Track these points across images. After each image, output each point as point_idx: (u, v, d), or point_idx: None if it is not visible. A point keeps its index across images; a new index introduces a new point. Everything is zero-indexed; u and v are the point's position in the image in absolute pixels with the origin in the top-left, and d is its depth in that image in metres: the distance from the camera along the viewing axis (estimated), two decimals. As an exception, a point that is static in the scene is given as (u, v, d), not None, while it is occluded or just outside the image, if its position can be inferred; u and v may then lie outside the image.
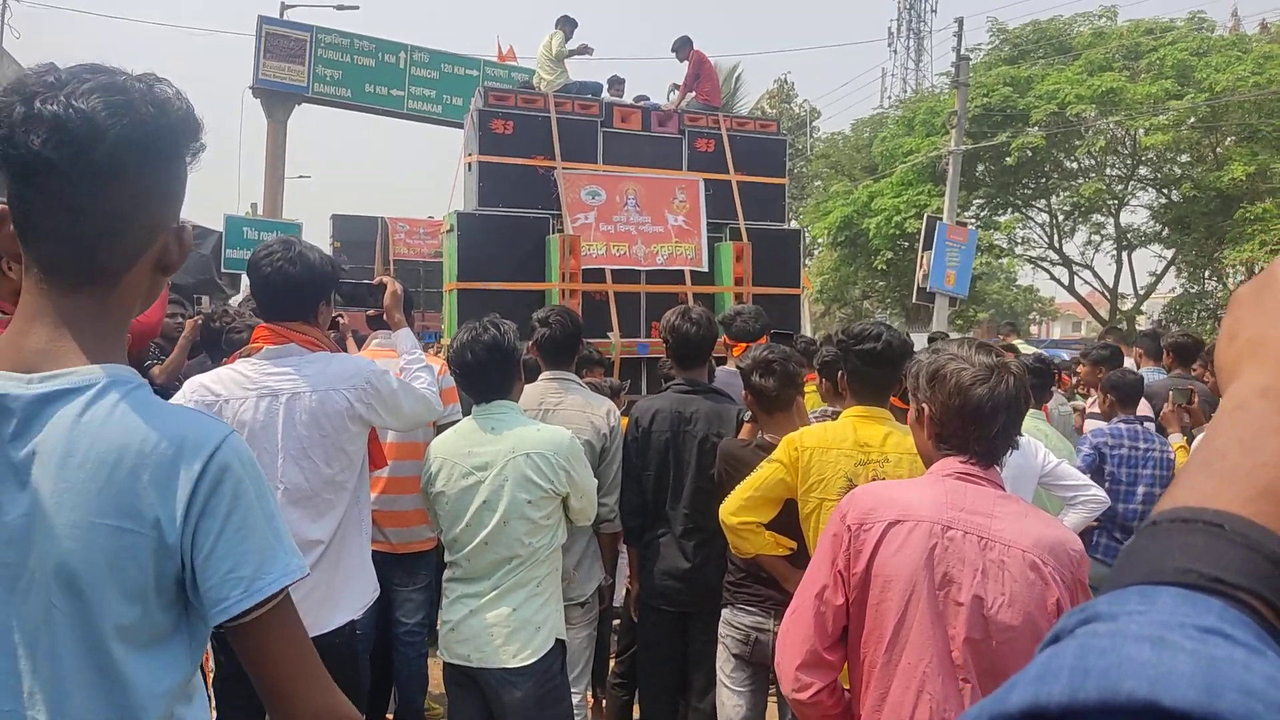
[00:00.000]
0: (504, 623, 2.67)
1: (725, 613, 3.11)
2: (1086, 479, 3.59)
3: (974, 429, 1.75)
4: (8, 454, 1.00)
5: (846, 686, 1.85)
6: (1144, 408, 5.06)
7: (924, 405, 1.82)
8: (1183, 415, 4.75)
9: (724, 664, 3.09)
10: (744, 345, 4.06)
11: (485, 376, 2.81)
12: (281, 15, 18.59)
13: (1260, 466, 0.46)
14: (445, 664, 2.80)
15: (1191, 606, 0.40)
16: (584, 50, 10.31)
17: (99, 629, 1.04)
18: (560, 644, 2.81)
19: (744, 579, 3.05)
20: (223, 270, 10.85)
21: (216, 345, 3.90)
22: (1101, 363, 5.52)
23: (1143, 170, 21.16)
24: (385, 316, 3.11)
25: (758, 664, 3.01)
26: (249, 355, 2.63)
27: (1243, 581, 0.41)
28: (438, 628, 2.86)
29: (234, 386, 2.53)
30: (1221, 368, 0.55)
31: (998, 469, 1.79)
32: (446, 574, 2.84)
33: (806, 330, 11.47)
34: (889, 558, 1.69)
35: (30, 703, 1.01)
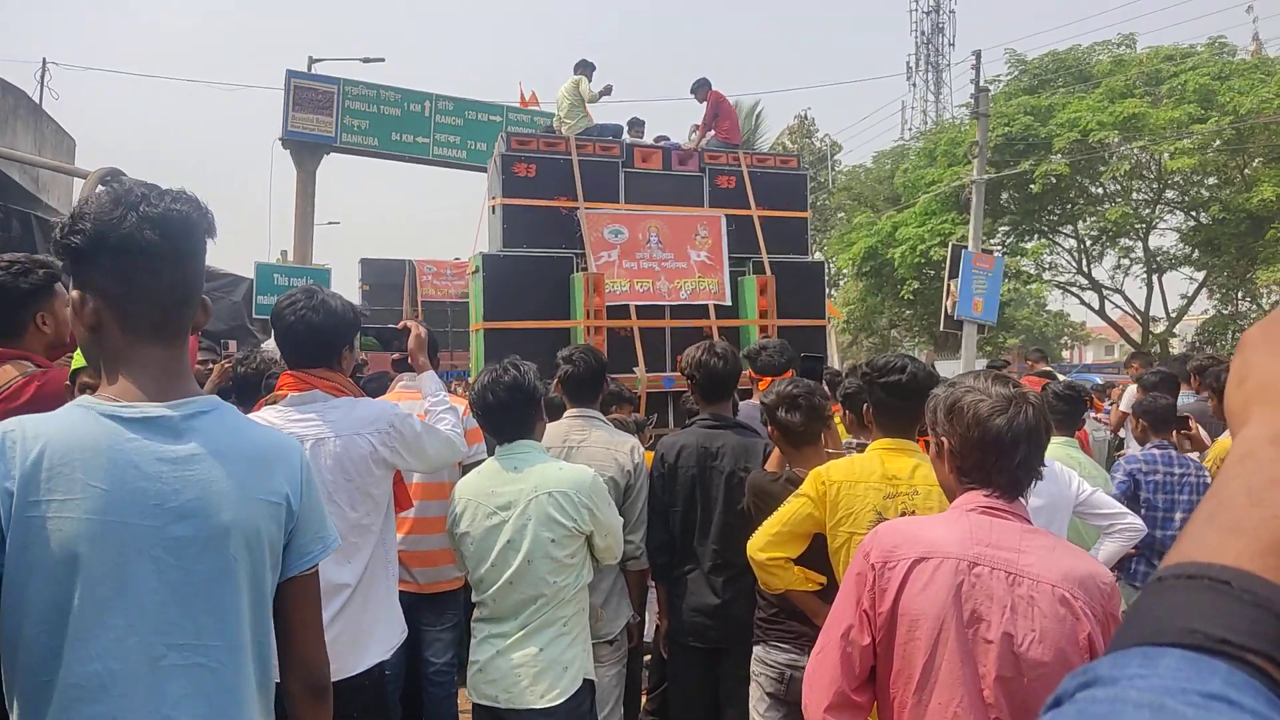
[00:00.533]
0: (531, 663, 2.67)
1: (758, 650, 3.07)
2: (1122, 507, 3.53)
3: (994, 460, 1.72)
4: (174, 455, 1.37)
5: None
6: None
7: (943, 439, 1.80)
8: (1183, 441, 4.67)
9: (758, 703, 3.05)
10: (769, 379, 4.05)
11: (507, 417, 2.82)
12: (309, 69, 19.00)
13: (1270, 519, 0.43)
14: (474, 705, 2.79)
15: (1195, 670, 0.38)
16: (607, 90, 10.46)
17: (263, 576, 1.47)
18: (589, 684, 2.79)
19: (776, 615, 3.02)
20: (254, 316, 11.02)
21: (246, 389, 3.95)
22: (1157, 388, 5.34)
23: (1169, 193, 20.98)
24: (410, 359, 3.13)
25: (793, 703, 2.97)
26: (274, 402, 2.66)
27: (1250, 642, 0.39)
28: (467, 667, 2.86)
29: None
30: (1231, 412, 0.52)
31: (1022, 501, 1.76)
32: (475, 613, 2.84)
33: (834, 360, 11.41)
34: (915, 596, 1.67)
35: (200, 636, 1.38)
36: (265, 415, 2.62)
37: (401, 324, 3.15)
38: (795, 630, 2.95)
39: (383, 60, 20.25)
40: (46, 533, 1.26)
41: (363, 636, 2.59)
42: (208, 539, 1.38)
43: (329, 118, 18.01)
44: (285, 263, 17.29)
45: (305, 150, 18.36)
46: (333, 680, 2.50)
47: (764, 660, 3.04)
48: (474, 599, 2.84)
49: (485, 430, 3.03)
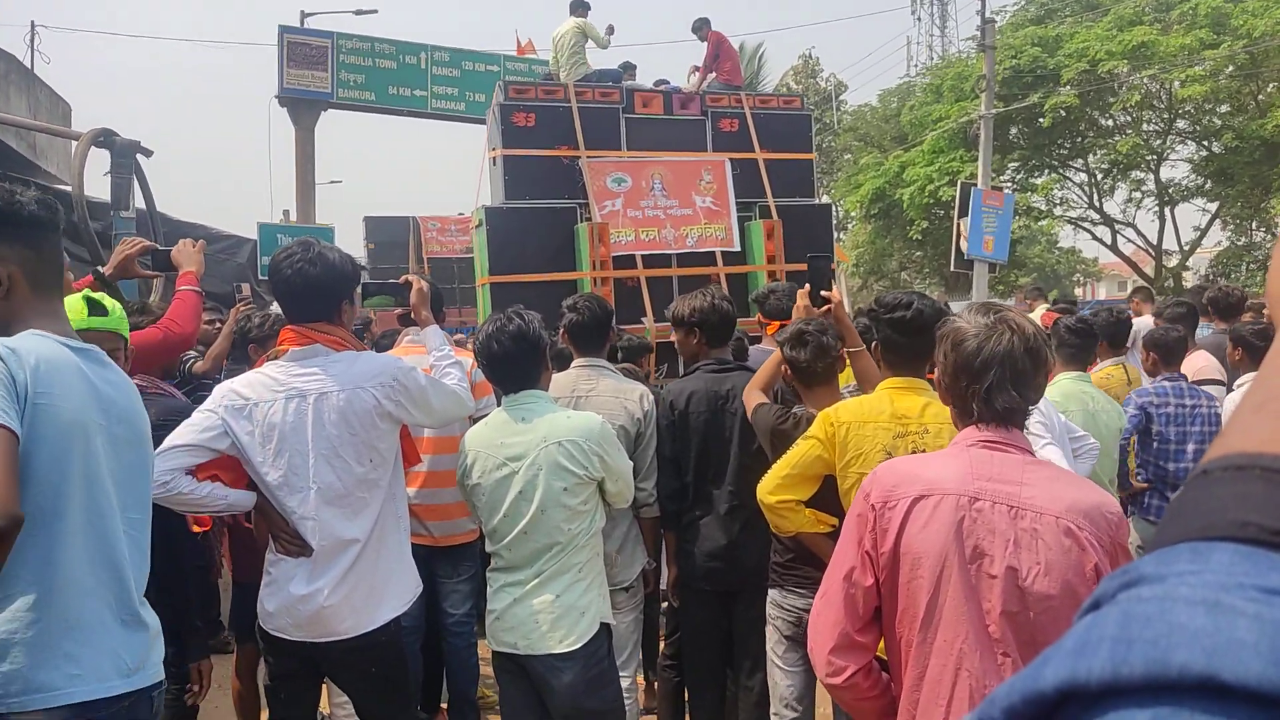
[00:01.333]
0: (548, 609, 2.68)
1: (774, 594, 3.08)
2: (1081, 430, 3.48)
3: (966, 384, 1.71)
4: (107, 378, 1.90)
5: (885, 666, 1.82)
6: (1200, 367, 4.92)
7: (937, 370, 1.80)
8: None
9: (775, 645, 3.07)
10: (778, 323, 4.01)
11: (512, 367, 2.80)
12: (302, 24, 18.73)
13: None
14: (494, 652, 2.82)
15: (1252, 564, 0.35)
16: (610, 31, 10.25)
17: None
18: (605, 628, 2.82)
19: (792, 560, 3.02)
20: (259, 278, 10.99)
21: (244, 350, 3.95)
22: (1178, 321, 5.26)
23: (1181, 123, 20.63)
24: (414, 314, 3.09)
25: None
26: (275, 358, 2.65)
27: None
28: (486, 616, 2.88)
29: (262, 390, 2.56)
30: (1274, 298, 0.49)
31: (1022, 433, 1.73)
32: (491, 563, 2.86)
33: (845, 303, 11.33)
34: (916, 534, 1.65)
35: (127, 510, 1.93)
36: (267, 371, 2.61)
37: (403, 278, 3.11)
38: (812, 576, 2.93)
39: (375, 12, 19.91)
40: (48, 417, 1.71)
41: (376, 592, 2.59)
42: (134, 438, 1.95)
43: (324, 73, 17.80)
44: (288, 223, 17.22)
45: (302, 107, 18.19)
46: (349, 635, 2.54)
47: (780, 604, 3.05)
48: (488, 549, 2.85)
49: (491, 380, 3.02)
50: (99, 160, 5.15)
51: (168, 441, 2.46)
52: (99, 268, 3.29)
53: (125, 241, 3.29)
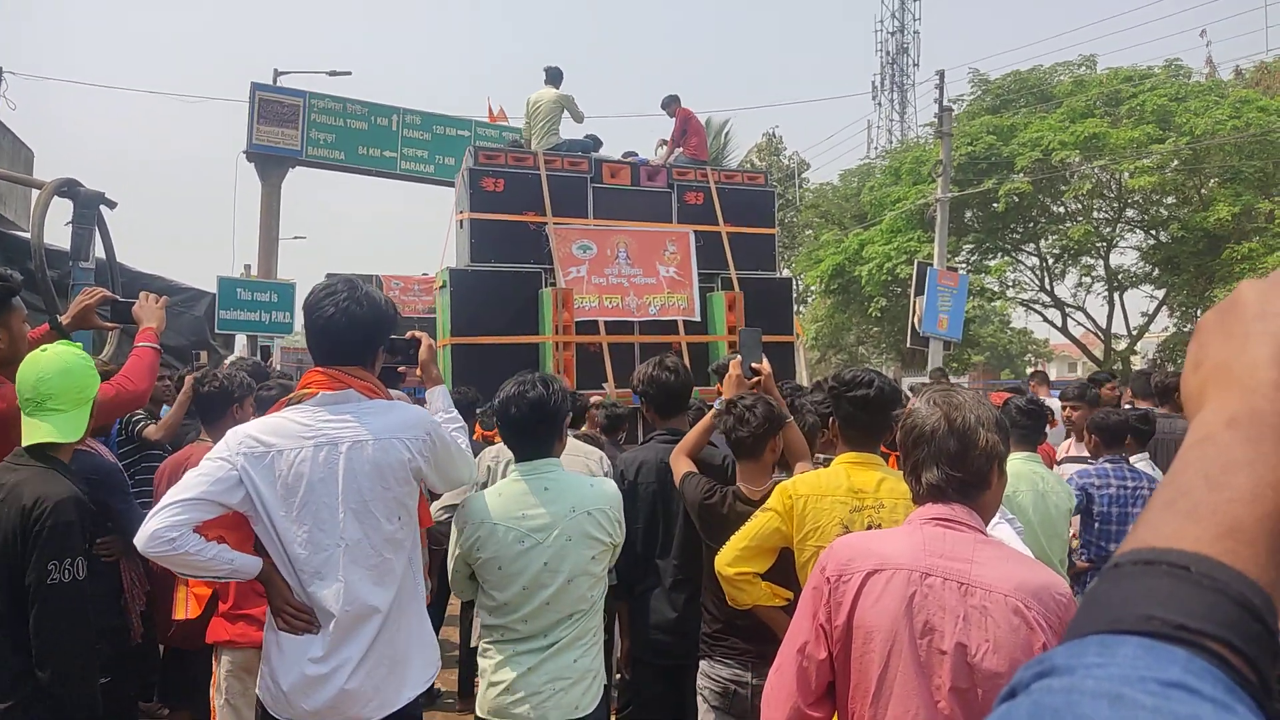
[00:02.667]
0: (567, 674, 2.61)
1: (704, 664, 3.08)
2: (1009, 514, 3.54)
3: (905, 458, 1.81)
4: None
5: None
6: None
7: (898, 452, 1.86)
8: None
9: (704, 716, 3.06)
10: None
11: (528, 434, 2.71)
12: (275, 82, 18.87)
13: (1227, 503, 0.43)
14: None
15: (1154, 658, 0.37)
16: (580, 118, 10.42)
17: None
18: (607, 689, 2.78)
19: (720, 631, 3.02)
20: (216, 331, 10.87)
21: (209, 409, 3.83)
22: (1074, 399, 5.48)
23: (1130, 212, 21.39)
24: (421, 371, 2.89)
25: (737, 716, 2.98)
26: (298, 402, 2.40)
27: (1208, 628, 0.38)
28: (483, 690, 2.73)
29: (288, 436, 2.30)
30: (1188, 397, 0.52)
31: (972, 512, 1.76)
32: (489, 637, 2.71)
33: (802, 376, 11.47)
34: (869, 608, 1.67)
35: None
36: (291, 416, 2.35)
37: (411, 334, 2.92)
38: (739, 647, 2.96)
39: (349, 74, 20.14)
40: None
41: (399, 668, 2.36)
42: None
43: (294, 131, 17.88)
44: (249, 277, 17.10)
45: (270, 163, 18.20)
46: (375, 718, 2.28)
47: (709, 674, 3.05)
48: (489, 622, 2.69)
49: (506, 444, 2.89)
50: (60, 209, 5.11)
51: (172, 494, 2.20)
52: (56, 317, 3.23)
53: (85, 292, 3.24)
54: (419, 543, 2.52)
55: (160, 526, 2.13)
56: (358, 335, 2.41)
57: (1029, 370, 38.38)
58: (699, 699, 3.08)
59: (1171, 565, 0.41)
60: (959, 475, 1.74)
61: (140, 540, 2.15)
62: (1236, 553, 0.41)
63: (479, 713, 2.69)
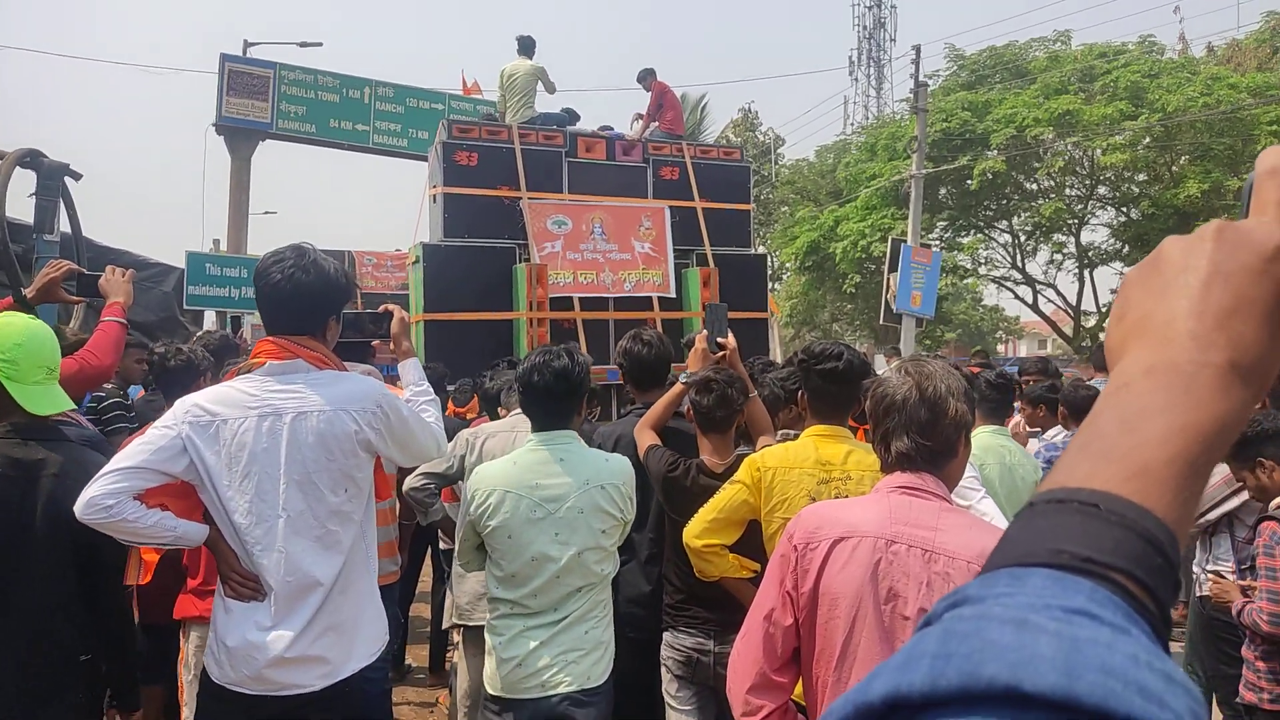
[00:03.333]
0: (579, 645, 2.64)
1: (666, 635, 3.13)
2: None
3: (877, 430, 1.84)
4: None
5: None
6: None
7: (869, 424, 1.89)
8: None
9: (668, 685, 3.11)
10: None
11: (551, 404, 2.73)
12: (245, 53, 18.55)
13: (1139, 445, 0.45)
14: (499, 699, 2.66)
15: (1060, 587, 0.39)
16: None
17: None
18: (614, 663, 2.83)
19: (683, 601, 3.08)
20: (185, 307, 10.74)
21: (172, 383, 3.79)
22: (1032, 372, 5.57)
23: (1101, 189, 21.57)
24: (393, 345, 2.88)
25: (699, 683, 3.04)
26: (248, 371, 2.39)
27: (1114, 561, 0.40)
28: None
29: (233, 405, 2.29)
30: (1110, 349, 0.54)
31: (940, 481, 1.79)
32: (498, 612, 2.70)
33: (776, 353, 11.53)
34: (835, 575, 1.69)
35: None
36: (239, 385, 2.35)
37: (383, 307, 2.90)
38: (701, 616, 3.02)
39: (320, 45, 19.83)
40: None
41: (345, 639, 2.35)
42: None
43: (264, 103, 17.61)
44: (218, 252, 16.90)
45: (240, 137, 17.94)
46: (312, 689, 2.29)
47: (671, 645, 3.10)
48: (499, 594, 2.69)
49: (525, 412, 2.90)
50: (23, 181, 5.01)
51: (115, 460, 2.21)
52: (21, 290, 3.18)
53: (50, 265, 3.18)
54: (372, 515, 2.51)
55: (97, 494, 2.14)
56: (305, 303, 2.39)
57: (999, 346, 38.79)
58: (663, 669, 3.13)
59: (1082, 503, 0.43)
60: (928, 444, 1.77)
61: (78, 508, 2.15)
62: (1145, 492, 0.43)
63: (490, 691, 2.69)
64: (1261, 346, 0.49)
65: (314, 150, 19.38)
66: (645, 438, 3.23)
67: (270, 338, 2.41)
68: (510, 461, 2.75)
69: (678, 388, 3.27)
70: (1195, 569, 3.81)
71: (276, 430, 2.29)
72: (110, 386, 4.56)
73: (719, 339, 3.38)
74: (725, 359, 3.33)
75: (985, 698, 0.34)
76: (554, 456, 2.69)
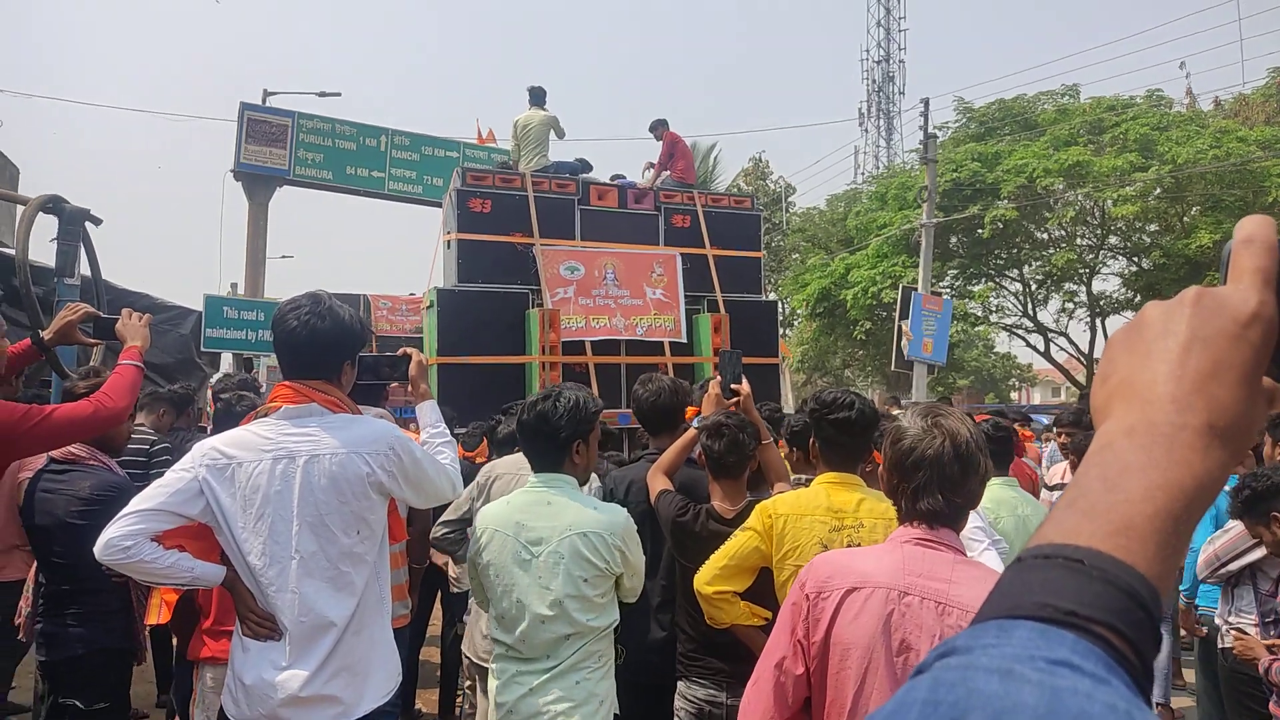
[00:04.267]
0: (571, 696, 2.59)
1: (680, 685, 3.09)
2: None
3: (898, 483, 1.80)
4: None
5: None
6: None
7: (882, 470, 1.86)
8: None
9: None
10: (694, 410, 4.10)
11: (531, 444, 2.76)
12: (264, 102, 18.91)
13: (1121, 503, 0.47)
14: None
15: (1045, 639, 0.41)
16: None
17: None
18: (617, 718, 2.75)
19: (696, 650, 3.04)
20: (202, 349, 10.82)
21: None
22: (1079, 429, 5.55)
23: (1113, 239, 21.60)
24: (411, 387, 2.91)
25: None
26: (265, 415, 2.45)
27: (1096, 614, 0.42)
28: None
29: (249, 448, 2.35)
30: (1095, 409, 0.56)
31: (954, 533, 1.79)
32: (497, 652, 2.72)
33: (788, 399, 11.50)
34: (846, 625, 1.69)
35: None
36: (254, 429, 2.40)
37: (402, 351, 2.93)
38: (714, 666, 2.98)
39: (339, 95, 20.21)
40: None
41: (358, 680, 2.36)
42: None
43: (283, 150, 17.90)
44: (236, 295, 17.05)
45: (258, 183, 18.21)
46: None
47: (684, 695, 3.06)
48: (497, 635, 2.71)
49: (524, 453, 2.92)
50: (46, 225, 5.11)
51: (133, 503, 2.25)
52: (39, 332, 3.23)
53: (68, 307, 3.23)
54: (386, 557, 2.53)
55: (115, 535, 2.18)
56: (320, 349, 2.44)
57: (1013, 394, 38.57)
58: (675, 719, 3.09)
59: (1067, 559, 0.45)
60: (959, 500, 1.77)
61: (97, 549, 2.20)
62: (1127, 548, 0.45)
63: None
64: (1238, 408, 0.51)
65: (331, 196, 19.65)
66: (657, 483, 3.23)
67: (286, 382, 2.46)
68: (505, 501, 2.78)
69: (690, 433, 3.27)
70: (1218, 620, 3.76)
71: (290, 473, 2.32)
72: (157, 435, 4.65)
73: (733, 384, 3.40)
74: (739, 404, 3.34)
75: None
76: (543, 499, 2.69)
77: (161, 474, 3.12)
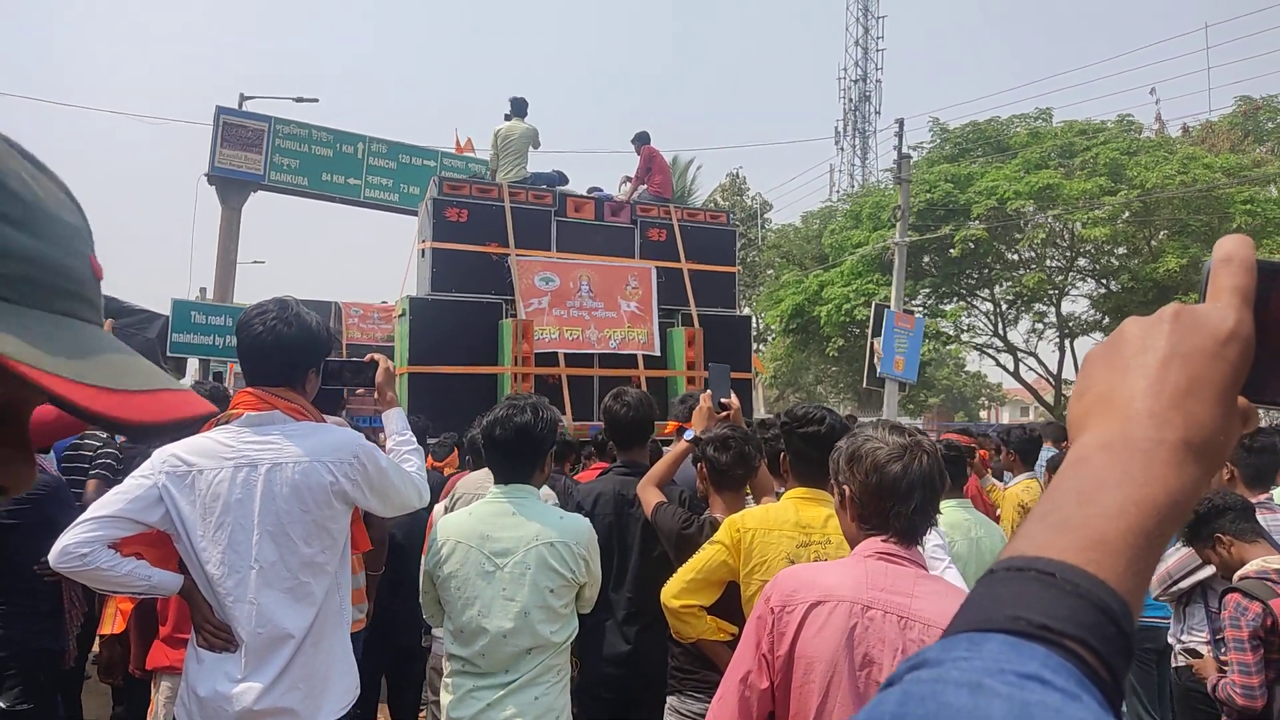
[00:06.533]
0: (527, 711, 2.56)
1: (672, 700, 3.05)
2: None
3: (892, 506, 1.78)
4: None
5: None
6: None
7: (845, 487, 1.84)
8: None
9: None
10: (675, 424, 4.12)
11: (509, 458, 2.72)
12: (240, 106, 18.78)
13: (1095, 518, 0.47)
14: None
15: (1016, 653, 0.40)
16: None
17: None
18: None
19: (690, 665, 3.00)
20: (168, 354, 10.69)
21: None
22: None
23: (1082, 261, 21.91)
24: (377, 394, 2.86)
25: None
26: (227, 422, 2.39)
27: (1068, 629, 0.42)
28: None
29: (210, 456, 2.30)
30: (1071, 423, 0.56)
31: (919, 549, 1.80)
32: (452, 667, 2.67)
33: (760, 414, 11.54)
34: (810, 639, 1.69)
35: None
36: (217, 436, 2.34)
37: (369, 357, 2.89)
38: (710, 680, 2.93)
39: (316, 101, 20.08)
40: None
41: (315, 692, 2.31)
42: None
43: (258, 155, 17.77)
44: (205, 300, 16.87)
45: (232, 187, 18.05)
46: None
47: (679, 710, 3.01)
48: (453, 650, 2.66)
49: (488, 464, 2.89)
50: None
51: (92, 509, 2.21)
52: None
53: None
54: (347, 566, 2.50)
55: (71, 542, 2.14)
56: (285, 356, 2.41)
57: (982, 413, 38.95)
58: None
59: (1040, 572, 0.45)
60: (928, 519, 1.80)
61: (53, 556, 2.15)
62: (1100, 563, 0.45)
63: None
64: (1215, 425, 0.51)
65: (306, 202, 19.51)
66: (651, 495, 3.21)
67: (250, 389, 2.42)
68: (467, 513, 2.75)
69: (683, 445, 3.28)
70: (1170, 639, 3.80)
71: (251, 481, 2.29)
72: (105, 437, 4.54)
73: (722, 399, 3.42)
74: (729, 418, 3.35)
75: None
76: (507, 510, 2.67)
77: (102, 476, 3.06)
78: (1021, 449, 5.38)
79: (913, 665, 0.42)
